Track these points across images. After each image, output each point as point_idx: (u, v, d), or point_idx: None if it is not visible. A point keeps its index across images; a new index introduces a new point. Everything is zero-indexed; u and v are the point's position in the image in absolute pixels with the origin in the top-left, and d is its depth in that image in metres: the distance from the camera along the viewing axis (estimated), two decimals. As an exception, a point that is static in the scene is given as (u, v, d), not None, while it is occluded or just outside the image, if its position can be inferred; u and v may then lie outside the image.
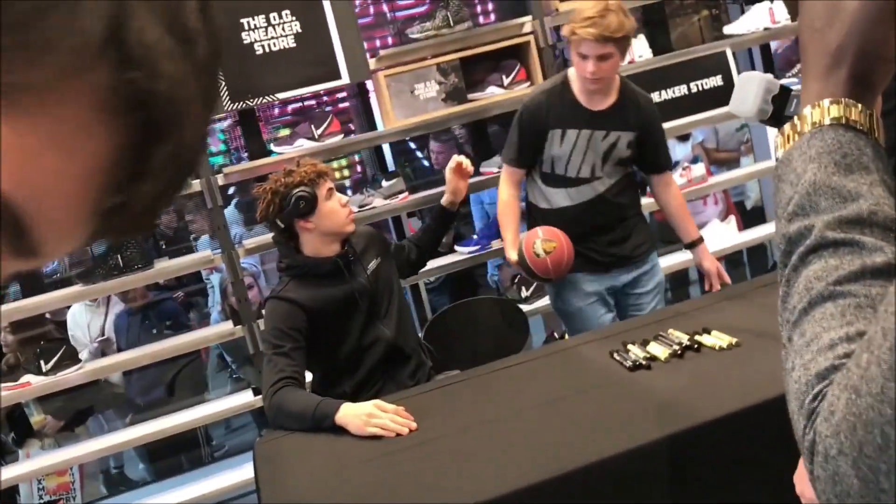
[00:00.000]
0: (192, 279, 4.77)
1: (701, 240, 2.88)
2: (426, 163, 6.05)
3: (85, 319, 4.05)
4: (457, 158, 2.80)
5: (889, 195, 0.65)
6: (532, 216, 2.92)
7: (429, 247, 2.91)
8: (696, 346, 2.08)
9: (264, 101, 3.32)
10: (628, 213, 2.84)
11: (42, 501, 3.53)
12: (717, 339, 2.08)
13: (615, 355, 2.13)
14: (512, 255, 2.78)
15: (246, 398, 3.49)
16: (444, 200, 2.85)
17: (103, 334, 4.02)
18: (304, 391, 2.23)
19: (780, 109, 0.99)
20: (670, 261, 4.04)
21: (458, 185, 2.81)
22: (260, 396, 3.36)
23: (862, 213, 0.64)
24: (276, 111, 5.68)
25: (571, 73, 2.73)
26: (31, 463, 3.50)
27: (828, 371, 0.57)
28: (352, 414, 2.05)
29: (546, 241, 2.62)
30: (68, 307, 4.14)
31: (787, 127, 0.74)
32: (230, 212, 4.73)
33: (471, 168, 2.83)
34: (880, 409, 0.50)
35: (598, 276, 2.82)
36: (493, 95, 3.52)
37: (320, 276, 2.47)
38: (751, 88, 0.94)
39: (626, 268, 2.84)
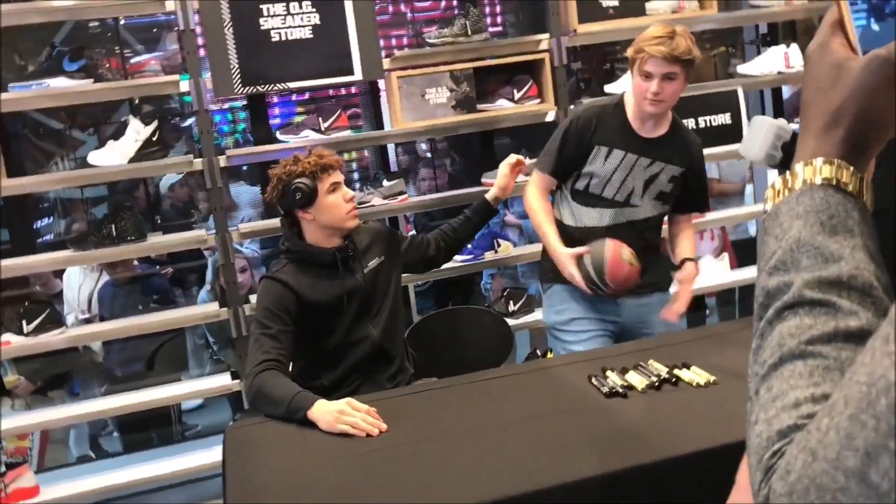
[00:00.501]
0: (193, 257, 4.78)
1: (694, 261, 2.78)
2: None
3: (77, 281, 4.05)
4: (515, 156, 2.81)
5: (870, 261, 0.66)
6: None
7: (461, 240, 2.90)
8: (674, 379, 2.09)
9: (275, 88, 3.33)
10: (649, 246, 2.76)
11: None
12: (695, 375, 2.09)
13: (593, 380, 2.14)
14: (562, 250, 2.64)
15: (224, 381, 3.49)
16: (489, 195, 2.84)
17: (90, 301, 4.01)
18: (285, 378, 2.24)
19: (789, 157, 1.00)
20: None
21: (510, 183, 2.82)
22: (238, 381, 3.38)
23: (842, 276, 0.65)
24: (286, 99, 5.68)
25: (627, 96, 2.70)
26: (7, 421, 3.49)
27: (789, 430, 0.58)
28: (324, 410, 2.06)
29: (632, 254, 2.57)
30: (59, 273, 4.15)
31: (777, 181, 0.75)
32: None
33: (526, 166, 2.85)
34: (834, 475, 0.51)
35: (604, 301, 2.72)
36: (502, 108, 3.53)
37: (317, 266, 2.49)
38: (761, 133, 0.95)
39: (635, 298, 2.74)
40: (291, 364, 2.44)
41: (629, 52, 2.58)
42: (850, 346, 0.62)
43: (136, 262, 4.18)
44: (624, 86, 3.73)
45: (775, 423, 0.60)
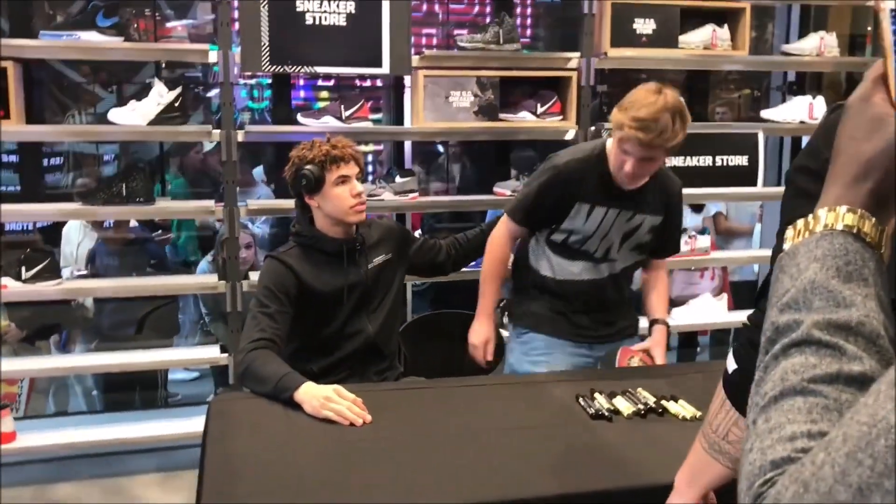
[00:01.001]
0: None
1: (667, 324, 2.70)
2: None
3: (77, 238, 4.06)
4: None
5: (880, 311, 0.67)
6: (522, 278, 2.75)
7: (472, 251, 2.90)
8: (660, 409, 2.10)
9: (302, 70, 3.34)
10: (623, 297, 2.74)
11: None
12: (681, 409, 2.10)
13: (580, 400, 2.15)
14: (480, 332, 2.66)
15: (212, 353, 3.50)
16: None
17: (88, 260, 4.02)
18: (276, 357, 2.26)
19: None
20: (680, 321, 4.02)
21: None
22: (226, 355, 3.39)
23: (851, 321, 0.66)
24: (309, 84, 5.70)
25: (609, 143, 2.53)
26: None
27: (783, 461, 0.60)
28: (310, 394, 2.07)
29: (640, 361, 2.56)
30: (61, 224, 4.16)
31: (799, 222, 0.77)
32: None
33: None
34: None
35: (577, 346, 2.69)
36: (523, 120, 3.55)
37: (323, 254, 2.50)
38: None
39: (608, 345, 2.73)
40: (285, 345, 2.45)
41: (613, 115, 2.40)
42: (851, 390, 0.63)
43: (134, 224, 4.17)
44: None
45: (769, 454, 0.61)
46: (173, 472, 3.46)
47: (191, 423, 3.36)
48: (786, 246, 0.77)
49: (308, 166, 2.45)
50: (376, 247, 2.61)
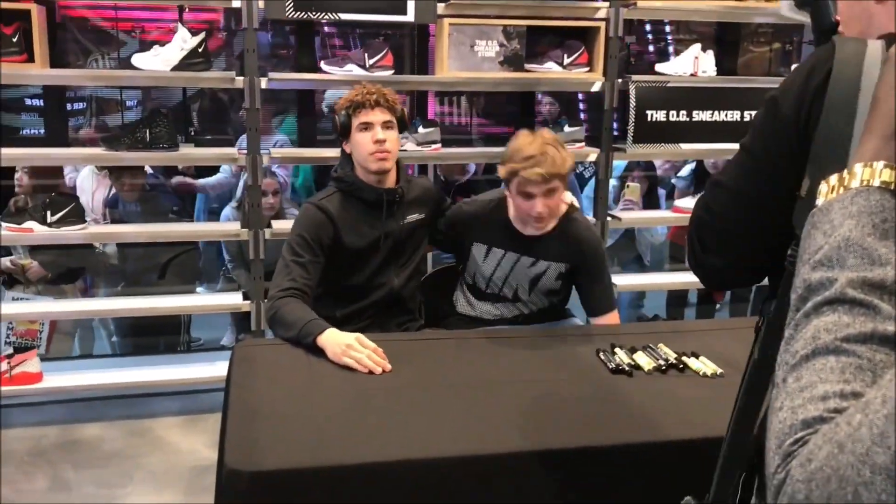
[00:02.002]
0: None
1: None
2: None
3: (90, 186, 4.07)
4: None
5: None
6: (443, 316, 2.74)
7: None
8: (681, 366, 2.10)
9: (326, 16, 3.30)
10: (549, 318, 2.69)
11: (8, 340, 3.59)
12: (702, 365, 2.10)
13: (601, 354, 2.15)
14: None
15: (234, 300, 3.53)
16: None
17: (106, 206, 4.04)
18: (304, 305, 2.29)
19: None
20: (672, 278, 4.05)
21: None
22: (248, 301, 3.42)
23: (886, 280, 0.65)
24: (332, 31, 5.64)
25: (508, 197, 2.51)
26: (18, 305, 3.56)
27: (815, 420, 0.59)
28: (333, 341, 2.10)
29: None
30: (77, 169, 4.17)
31: (833, 178, 0.75)
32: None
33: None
34: (860, 469, 0.52)
35: None
36: (550, 71, 3.50)
37: (362, 203, 2.51)
38: None
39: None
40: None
41: (501, 173, 2.41)
42: (885, 350, 0.62)
43: (149, 171, 4.15)
44: (676, 67, 3.69)
45: (800, 413, 0.60)
46: (196, 415, 3.52)
47: (213, 368, 3.42)
48: (819, 201, 0.75)
49: (343, 110, 2.49)
50: (413, 204, 2.61)
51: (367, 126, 2.46)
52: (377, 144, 2.45)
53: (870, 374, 0.61)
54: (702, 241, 1.19)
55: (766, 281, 1.18)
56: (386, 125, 2.47)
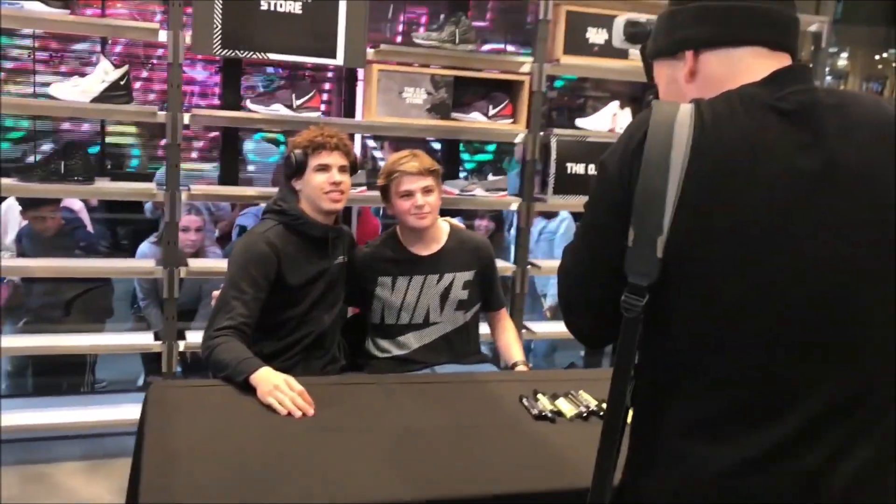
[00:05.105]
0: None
1: (525, 363, 2.74)
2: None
3: (17, 218, 3.92)
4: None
5: None
6: (364, 357, 2.75)
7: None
8: (601, 412, 2.13)
9: (254, 55, 3.29)
10: (470, 350, 2.76)
11: None
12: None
13: (524, 400, 2.17)
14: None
15: (145, 340, 3.41)
16: None
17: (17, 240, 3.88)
18: (240, 344, 2.26)
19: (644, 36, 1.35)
20: None
21: None
22: (159, 342, 3.30)
23: None
24: (260, 72, 5.61)
25: (399, 228, 2.73)
26: None
27: None
28: (265, 379, 2.09)
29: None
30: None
31: None
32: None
33: None
34: None
35: None
36: (475, 121, 3.56)
37: (303, 238, 2.52)
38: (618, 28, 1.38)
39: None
40: None
41: (381, 181, 2.66)
42: None
43: (64, 205, 4.02)
44: (595, 123, 3.81)
45: None
46: (100, 460, 3.36)
47: (119, 411, 3.28)
48: None
49: (297, 149, 2.52)
50: (341, 245, 2.64)
51: (324, 168, 2.50)
52: (333, 186, 2.50)
53: None
54: (567, 302, 1.27)
55: None
56: (342, 169, 2.53)
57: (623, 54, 3.70)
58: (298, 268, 2.49)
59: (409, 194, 2.59)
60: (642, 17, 1.39)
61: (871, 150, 1.08)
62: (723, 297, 1.08)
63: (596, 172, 1.20)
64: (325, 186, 2.49)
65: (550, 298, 4.50)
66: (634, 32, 1.38)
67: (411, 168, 2.58)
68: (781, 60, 1.16)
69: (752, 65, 1.14)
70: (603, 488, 1.18)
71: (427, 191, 2.60)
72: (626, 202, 1.10)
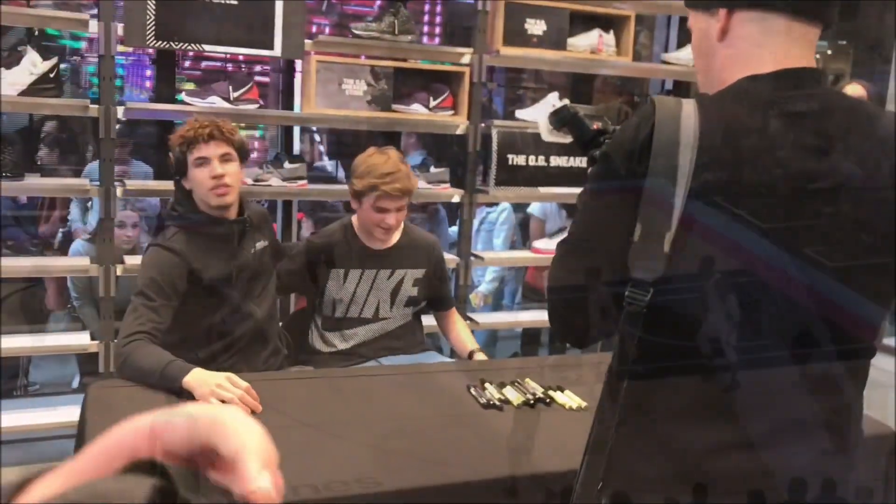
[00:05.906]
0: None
1: (480, 349, 2.76)
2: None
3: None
4: None
5: None
6: (310, 352, 2.74)
7: None
8: (548, 400, 2.16)
9: (188, 47, 3.22)
10: (417, 342, 2.77)
11: None
12: (568, 399, 2.17)
13: (472, 389, 2.18)
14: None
15: (81, 340, 3.32)
16: None
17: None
18: (157, 347, 2.16)
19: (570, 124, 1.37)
20: (527, 316, 4.15)
21: None
22: (95, 342, 3.21)
23: None
24: (195, 64, 5.50)
25: (354, 218, 2.72)
26: None
27: None
28: (201, 380, 2.01)
29: None
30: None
31: None
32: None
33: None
34: None
35: None
36: (416, 113, 3.55)
37: (208, 236, 2.41)
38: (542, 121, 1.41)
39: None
40: (168, 334, 2.35)
41: (358, 186, 2.56)
42: None
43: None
44: (533, 114, 3.84)
45: None
46: (35, 465, 3.25)
47: (55, 414, 3.18)
48: None
49: (177, 147, 2.39)
50: (258, 231, 2.56)
51: (203, 161, 2.36)
52: (215, 180, 2.36)
53: None
54: (564, 300, 1.24)
55: None
56: (223, 158, 2.38)
57: (562, 45, 3.74)
58: (212, 267, 2.39)
59: (383, 211, 2.56)
60: (561, 102, 1.43)
61: (876, 157, 1.12)
62: (723, 294, 1.10)
63: (598, 164, 1.19)
64: (208, 182, 2.35)
65: (484, 286, 4.54)
66: (561, 118, 1.38)
67: (394, 191, 2.51)
68: (815, 33, 1.15)
69: (783, 34, 1.13)
70: (595, 471, 1.17)
71: (400, 209, 2.58)
72: (634, 197, 1.09)
